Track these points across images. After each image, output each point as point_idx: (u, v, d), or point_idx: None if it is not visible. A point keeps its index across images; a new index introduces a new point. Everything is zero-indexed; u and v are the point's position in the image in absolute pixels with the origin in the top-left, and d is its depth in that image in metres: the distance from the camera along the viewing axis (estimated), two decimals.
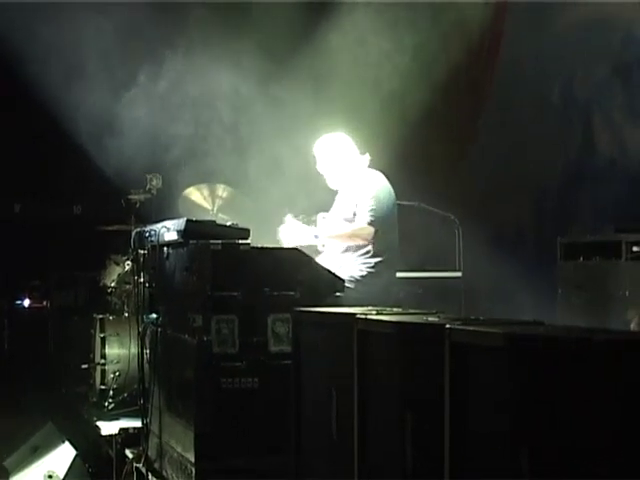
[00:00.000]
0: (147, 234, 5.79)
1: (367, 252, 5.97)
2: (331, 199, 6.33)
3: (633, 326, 4.54)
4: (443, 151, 10.12)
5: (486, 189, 9.36)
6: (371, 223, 5.91)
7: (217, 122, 8.36)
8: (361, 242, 5.95)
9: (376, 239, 5.94)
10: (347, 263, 5.94)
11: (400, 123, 8.98)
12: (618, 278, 6.37)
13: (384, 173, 6.17)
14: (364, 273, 5.93)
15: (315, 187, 6.46)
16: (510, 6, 9.37)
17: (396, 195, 6.14)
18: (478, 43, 9.36)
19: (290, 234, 6.06)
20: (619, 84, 7.90)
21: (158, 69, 8.27)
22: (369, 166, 6.22)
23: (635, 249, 6.21)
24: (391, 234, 6.08)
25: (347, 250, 6.00)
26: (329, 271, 5.47)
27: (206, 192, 7.79)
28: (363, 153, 6.24)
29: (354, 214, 5.99)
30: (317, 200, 6.47)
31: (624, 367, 2.50)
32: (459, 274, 7.81)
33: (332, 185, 6.28)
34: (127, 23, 8.38)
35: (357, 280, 5.87)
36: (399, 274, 6.36)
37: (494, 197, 9.25)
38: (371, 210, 5.92)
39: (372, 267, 5.95)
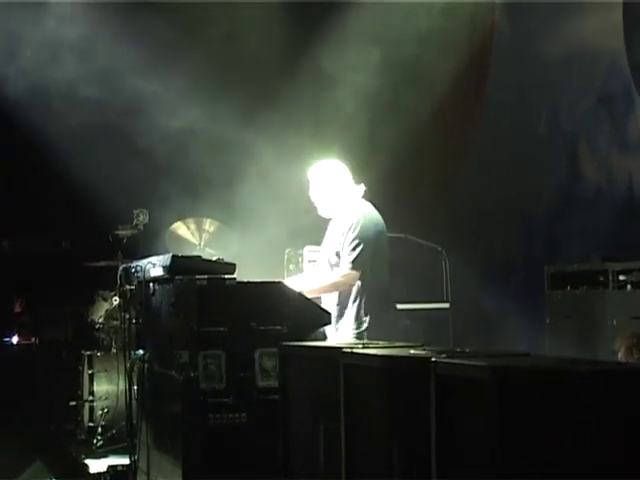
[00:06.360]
0: (134, 270, 5.79)
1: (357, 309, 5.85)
2: (315, 233, 6.26)
3: (620, 356, 4.53)
4: (430, 182, 10.15)
5: (473, 219, 9.36)
6: (355, 267, 5.79)
7: (202, 155, 8.36)
8: (345, 288, 5.84)
9: (363, 278, 5.82)
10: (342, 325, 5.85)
11: (387, 154, 8.99)
12: (605, 307, 6.35)
13: (371, 203, 6.11)
14: (364, 326, 5.81)
15: (301, 221, 6.42)
16: (496, 37, 9.43)
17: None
18: (465, 74, 9.41)
19: None
20: (604, 113, 7.94)
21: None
22: (363, 197, 6.10)
23: (622, 278, 6.20)
24: (379, 270, 5.94)
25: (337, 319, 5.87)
26: (316, 304, 5.45)
27: (193, 226, 7.79)
28: (358, 183, 6.11)
29: (337, 254, 5.88)
30: (303, 233, 6.45)
31: (610, 398, 2.49)
32: (447, 305, 7.80)
33: (323, 213, 6.15)
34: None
35: (363, 331, 5.75)
36: None
37: (482, 227, 9.26)
38: (355, 252, 5.79)
39: (364, 318, 5.84)
